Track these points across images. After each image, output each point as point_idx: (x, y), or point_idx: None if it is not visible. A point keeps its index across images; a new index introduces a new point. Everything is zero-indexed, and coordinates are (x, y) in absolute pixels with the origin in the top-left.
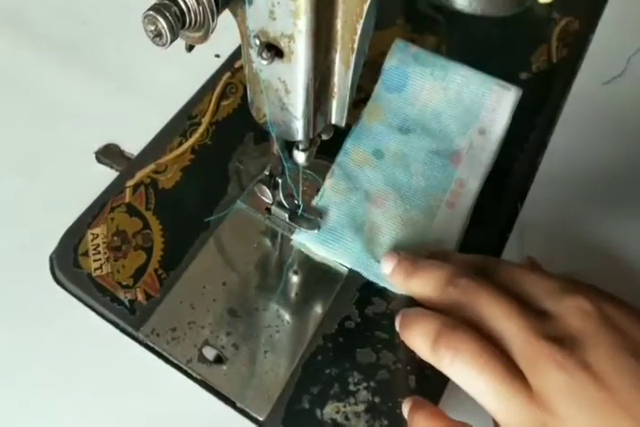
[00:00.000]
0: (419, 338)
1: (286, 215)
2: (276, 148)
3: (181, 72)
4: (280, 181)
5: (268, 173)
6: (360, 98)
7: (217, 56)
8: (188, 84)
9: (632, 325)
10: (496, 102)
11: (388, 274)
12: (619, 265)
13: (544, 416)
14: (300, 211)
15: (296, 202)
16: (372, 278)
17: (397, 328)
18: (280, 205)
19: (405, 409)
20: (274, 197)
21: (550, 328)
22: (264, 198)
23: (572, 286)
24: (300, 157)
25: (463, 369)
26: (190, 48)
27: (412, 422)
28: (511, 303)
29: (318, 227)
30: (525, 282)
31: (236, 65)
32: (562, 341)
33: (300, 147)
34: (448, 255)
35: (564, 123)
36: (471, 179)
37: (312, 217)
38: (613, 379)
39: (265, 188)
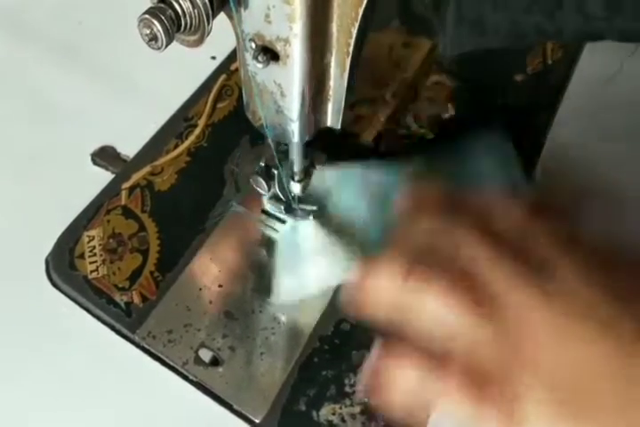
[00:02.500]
0: (386, 279)
1: (282, 207)
2: (271, 139)
3: (177, 74)
4: (276, 172)
5: (263, 165)
6: (354, 100)
7: (213, 58)
8: (184, 85)
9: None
10: None
11: None
12: None
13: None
14: (295, 203)
15: (291, 194)
16: None
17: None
18: (275, 197)
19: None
20: (269, 188)
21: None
22: (259, 190)
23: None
24: (295, 187)
25: (435, 299)
26: None
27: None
28: (483, 232)
29: (313, 214)
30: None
31: (232, 67)
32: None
33: (296, 178)
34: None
35: (559, 125)
36: None
37: (307, 207)
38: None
39: (260, 179)
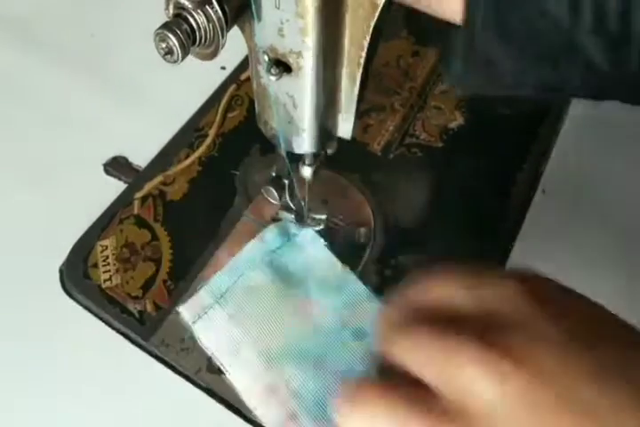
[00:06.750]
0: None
1: (292, 216)
2: (282, 150)
3: (188, 84)
4: (287, 182)
5: (275, 175)
6: (364, 109)
7: (223, 68)
8: (195, 96)
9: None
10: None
11: None
12: (617, 280)
13: None
14: (305, 211)
15: (302, 203)
16: None
17: None
18: (286, 206)
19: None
20: (280, 198)
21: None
22: (270, 199)
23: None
24: (306, 171)
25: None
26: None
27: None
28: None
29: (323, 224)
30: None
31: (242, 77)
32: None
33: (306, 161)
34: None
35: (567, 132)
36: None
37: (317, 216)
38: None
39: (272, 189)
